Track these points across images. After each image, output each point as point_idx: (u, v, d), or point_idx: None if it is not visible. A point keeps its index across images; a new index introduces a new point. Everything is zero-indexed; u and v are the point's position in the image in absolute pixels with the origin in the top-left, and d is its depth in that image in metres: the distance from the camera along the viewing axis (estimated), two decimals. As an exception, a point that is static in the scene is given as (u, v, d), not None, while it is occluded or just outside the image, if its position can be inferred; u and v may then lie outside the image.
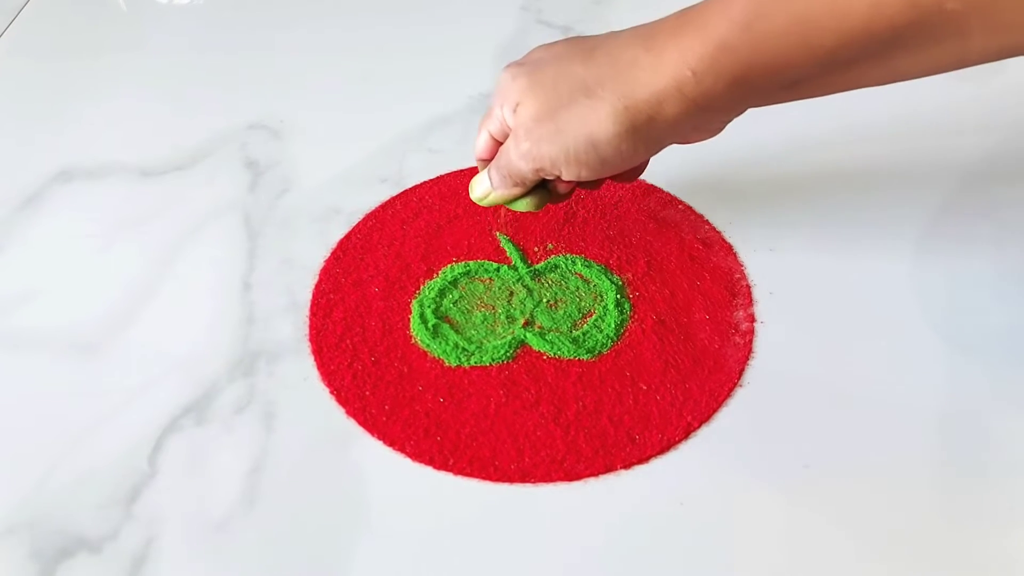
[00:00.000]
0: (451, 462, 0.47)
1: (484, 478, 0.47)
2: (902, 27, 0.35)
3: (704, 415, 0.48)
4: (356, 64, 0.73)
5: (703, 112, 0.41)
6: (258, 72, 0.73)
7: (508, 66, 0.47)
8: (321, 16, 0.79)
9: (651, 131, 0.42)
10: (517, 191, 0.49)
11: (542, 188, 0.49)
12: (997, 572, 0.42)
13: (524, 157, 0.46)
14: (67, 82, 0.74)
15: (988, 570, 0.42)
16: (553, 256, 0.56)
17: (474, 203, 0.59)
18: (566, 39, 0.47)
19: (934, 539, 0.43)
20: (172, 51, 0.76)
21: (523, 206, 0.50)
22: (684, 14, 0.41)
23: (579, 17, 0.76)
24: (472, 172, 0.62)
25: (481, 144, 0.50)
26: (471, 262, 0.56)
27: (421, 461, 0.47)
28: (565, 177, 0.46)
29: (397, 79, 0.72)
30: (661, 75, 0.40)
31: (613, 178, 0.50)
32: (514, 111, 0.45)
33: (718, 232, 0.57)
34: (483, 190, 0.51)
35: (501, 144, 0.49)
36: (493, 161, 0.49)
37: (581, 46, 0.45)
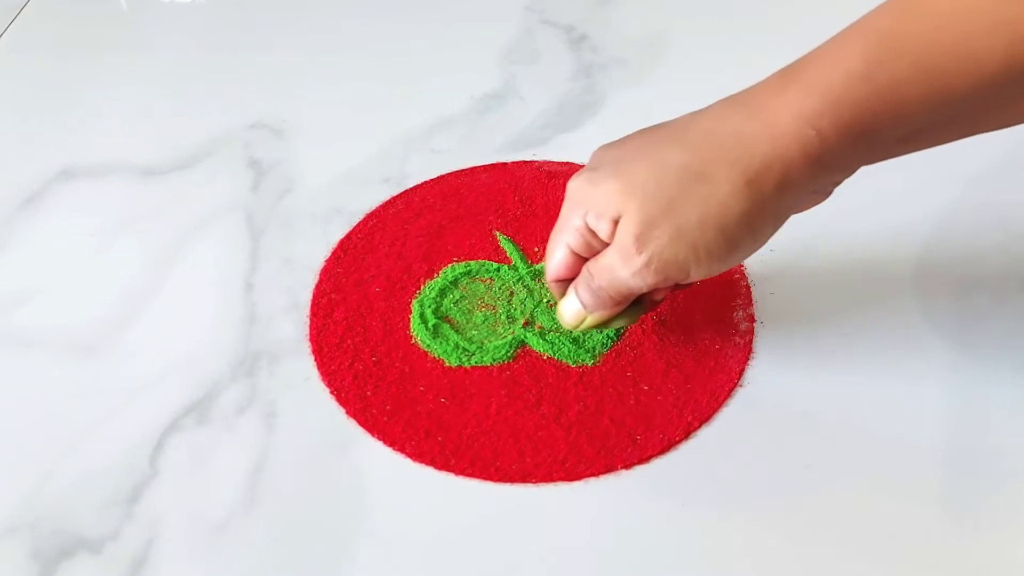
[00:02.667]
0: (452, 463, 0.47)
1: (485, 479, 0.46)
2: None
3: (705, 415, 0.48)
4: (359, 64, 0.73)
5: (826, 172, 0.38)
6: (260, 71, 0.73)
7: (577, 175, 0.43)
8: (323, 15, 0.79)
9: (779, 202, 0.38)
10: (619, 309, 0.44)
11: (635, 301, 0.45)
12: (999, 573, 0.42)
13: (642, 272, 0.40)
14: (68, 81, 0.74)
15: (990, 571, 0.42)
16: (554, 256, 0.56)
17: (475, 203, 0.60)
18: (632, 134, 0.42)
19: (935, 539, 0.43)
20: (173, 50, 0.76)
21: (619, 323, 0.46)
22: (785, 74, 0.38)
23: (583, 17, 0.76)
24: (474, 172, 0.62)
25: (559, 262, 0.44)
26: (472, 262, 0.56)
27: (422, 462, 0.47)
28: (693, 278, 0.41)
29: (400, 79, 0.72)
30: (780, 140, 0.37)
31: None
32: (612, 222, 0.40)
33: (720, 232, 0.57)
34: (576, 315, 0.45)
35: (582, 259, 0.44)
36: (581, 282, 0.44)
37: (663, 132, 0.41)
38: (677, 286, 0.46)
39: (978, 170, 0.60)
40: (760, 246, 0.41)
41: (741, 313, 0.53)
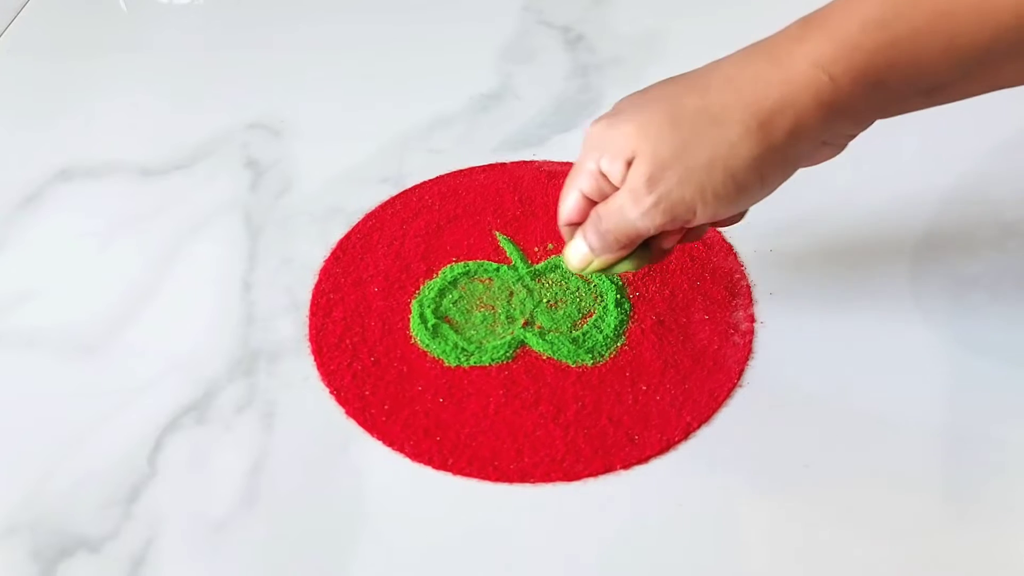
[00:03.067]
0: (450, 462, 0.47)
1: (483, 478, 0.47)
2: None
3: (704, 415, 0.48)
4: (357, 63, 0.73)
5: (838, 120, 0.39)
6: (259, 71, 0.73)
7: (597, 119, 0.43)
8: (322, 15, 0.79)
9: (789, 148, 0.39)
10: (624, 253, 0.44)
11: (643, 246, 0.45)
12: (999, 572, 0.42)
13: (651, 212, 0.41)
14: (67, 81, 0.74)
15: (989, 570, 0.42)
16: (553, 256, 0.56)
17: (473, 203, 0.60)
18: (656, 83, 0.43)
19: (935, 538, 0.43)
20: (172, 50, 0.76)
21: (624, 268, 0.46)
22: (805, 21, 0.39)
23: (580, 17, 0.76)
24: (472, 172, 0.62)
25: (571, 206, 0.45)
26: (471, 262, 0.56)
27: (420, 461, 0.47)
28: (699, 220, 0.42)
29: (398, 79, 0.72)
30: (795, 84, 0.38)
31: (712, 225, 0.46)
32: (626, 164, 0.41)
33: (718, 232, 0.57)
34: (583, 258, 0.45)
35: (594, 203, 0.44)
36: (589, 225, 0.45)
37: (686, 81, 0.42)
38: (685, 235, 0.46)
39: (972, 167, 0.60)
40: (767, 193, 0.41)
41: (741, 313, 0.53)
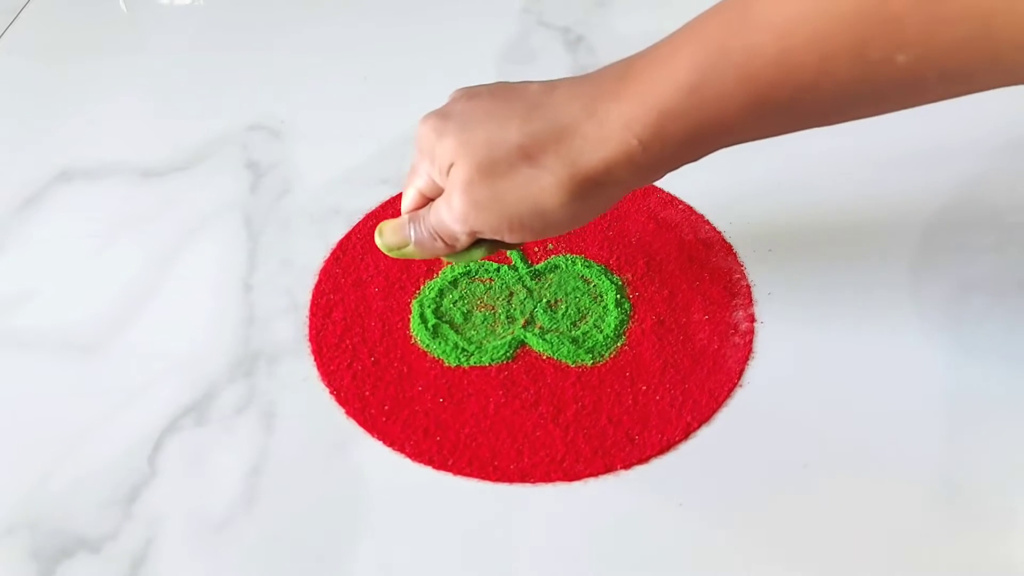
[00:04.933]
0: (451, 462, 0.47)
1: (483, 478, 0.47)
2: (851, 83, 0.34)
3: (704, 415, 0.48)
4: (357, 65, 0.73)
5: (652, 172, 0.40)
6: (259, 72, 0.73)
7: (428, 117, 0.44)
8: (322, 17, 0.79)
9: (600, 195, 0.40)
10: (442, 251, 0.45)
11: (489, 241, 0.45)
12: (998, 572, 0.42)
13: (459, 220, 0.42)
14: (67, 82, 0.74)
15: (988, 571, 0.42)
16: (553, 256, 0.56)
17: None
18: (491, 87, 0.44)
19: (934, 539, 0.43)
20: (172, 51, 0.77)
21: (479, 254, 0.46)
22: (626, 71, 0.39)
23: (580, 19, 0.76)
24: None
25: (410, 202, 0.46)
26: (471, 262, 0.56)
27: (421, 461, 0.47)
28: (509, 240, 0.43)
29: (398, 80, 0.72)
30: (607, 144, 0.39)
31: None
32: (446, 172, 0.42)
33: (718, 232, 0.57)
34: (398, 241, 0.46)
35: (431, 199, 0.46)
36: (418, 215, 0.46)
37: (513, 103, 0.42)
38: None
39: (972, 171, 0.60)
40: (581, 225, 0.42)
41: (741, 313, 0.53)
